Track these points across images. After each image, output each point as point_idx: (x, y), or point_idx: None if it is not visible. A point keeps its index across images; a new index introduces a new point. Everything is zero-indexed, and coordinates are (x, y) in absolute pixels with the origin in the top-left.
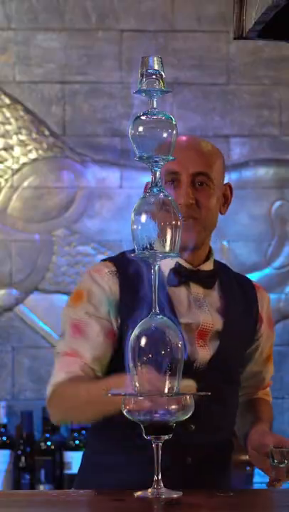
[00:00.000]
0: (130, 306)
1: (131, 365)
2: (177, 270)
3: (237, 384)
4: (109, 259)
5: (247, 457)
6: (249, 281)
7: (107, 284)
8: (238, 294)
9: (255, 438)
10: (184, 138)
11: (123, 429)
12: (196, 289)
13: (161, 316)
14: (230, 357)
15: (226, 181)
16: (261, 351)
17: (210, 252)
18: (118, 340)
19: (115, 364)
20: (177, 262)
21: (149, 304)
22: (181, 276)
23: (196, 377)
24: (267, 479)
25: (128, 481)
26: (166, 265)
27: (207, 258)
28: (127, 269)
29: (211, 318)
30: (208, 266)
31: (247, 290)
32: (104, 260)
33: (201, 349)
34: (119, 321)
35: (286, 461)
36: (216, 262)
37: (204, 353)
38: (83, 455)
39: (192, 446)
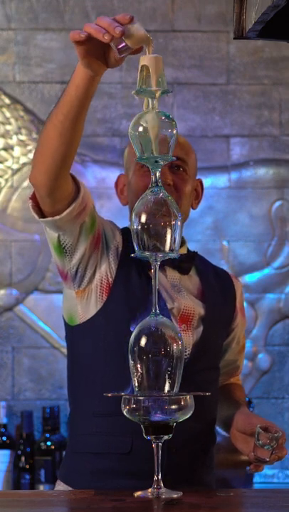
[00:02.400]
0: (126, 270)
1: (131, 365)
2: None
3: (218, 370)
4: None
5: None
6: (225, 271)
7: (118, 231)
8: (215, 282)
9: (241, 418)
10: None
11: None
12: (173, 274)
13: (161, 316)
14: (213, 343)
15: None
16: (238, 340)
17: (183, 241)
18: (107, 290)
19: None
20: None
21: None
22: None
23: None
24: (266, 479)
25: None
26: None
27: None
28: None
29: (192, 303)
30: (181, 251)
31: (224, 279)
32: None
33: (184, 334)
34: (115, 267)
35: (272, 445)
36: (193, 252)
37: (186, 338)
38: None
39: (175, 434)
